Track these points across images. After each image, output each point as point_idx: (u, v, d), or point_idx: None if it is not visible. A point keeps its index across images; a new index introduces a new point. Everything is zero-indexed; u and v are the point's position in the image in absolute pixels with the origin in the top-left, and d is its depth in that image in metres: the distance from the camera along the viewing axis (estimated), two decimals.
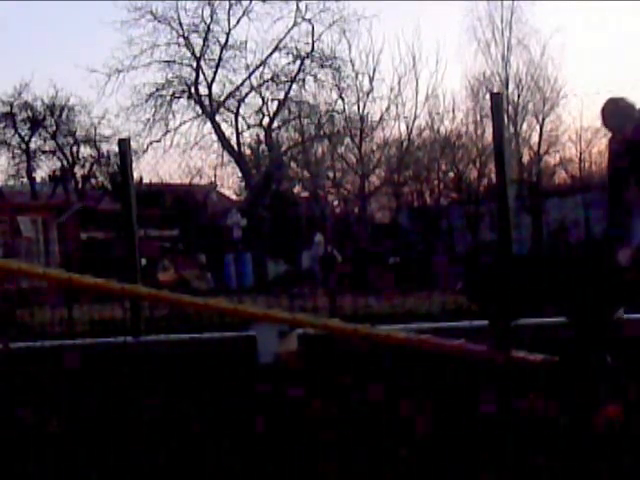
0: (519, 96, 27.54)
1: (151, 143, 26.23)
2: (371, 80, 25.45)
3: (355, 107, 25.61)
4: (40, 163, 29.12)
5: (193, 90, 26.55)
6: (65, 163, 28.82)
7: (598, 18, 38.77)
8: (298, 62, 26.22)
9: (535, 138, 27.26)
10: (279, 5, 26.97)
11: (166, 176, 26.48)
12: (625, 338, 5.70)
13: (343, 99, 25.78)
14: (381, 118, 25.27)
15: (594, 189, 19.84)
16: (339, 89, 25.88)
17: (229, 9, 26.13)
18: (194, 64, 26.38)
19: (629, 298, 5.01)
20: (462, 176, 24.59)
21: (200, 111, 26.61)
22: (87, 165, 29.01)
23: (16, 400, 5.01)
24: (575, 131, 26.54)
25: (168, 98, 26.53)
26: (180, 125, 26.63)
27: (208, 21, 26.07)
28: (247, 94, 26.69)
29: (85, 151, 28.88)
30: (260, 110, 26.64)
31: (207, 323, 8.35)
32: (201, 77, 26.50)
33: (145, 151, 26.13)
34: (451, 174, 25.06)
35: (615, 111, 5.81)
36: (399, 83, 25.33)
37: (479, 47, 27.94)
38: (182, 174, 26.36)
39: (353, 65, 25.70)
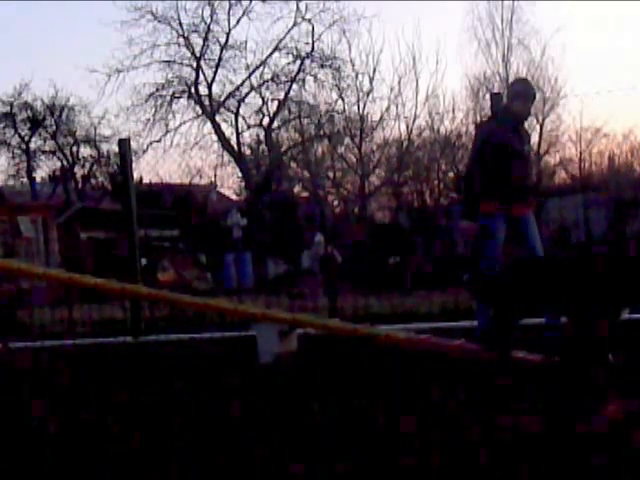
0: None
1: (151, 143, 26.23)
2: (371, 80, 25.44)
3: (355, 107, 25.60)
4: (40, 163, 29.12)
5: (193, 90, 26.53)
6: (65, 163, 28.81)
7: (598, 18, 38.77)
8: (298, 62, 26.21)
9: (535, 138, 27.25)
10: (279, 5, 26.98)
11: (166, 176, 26.48)
12: (626, 338, 5.71)
13: (343, 99, 25.77)
14: (381, 118, 25.26)
15: (594, 189, 19.85)
16: (339, 89, 25.87)
17: (229, 9, 26.12)
18: (194, 64, 26.37)
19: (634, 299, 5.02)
20: (462, 176, 24.54)
21: (200, 111, 26.60)
22: (87, 165, 28.99)
23: (16, 400, 5.01)
24: (575, 131, 26.55)
25: (168, 98, 26.52)
26: (180, 125, 26.63)
27: (208, 21, 26.06)
28: (247, 94, 26.69)
29: (85, 151, 28.87)
30: (260, 110, 26.64)
31: (207, 323, 8.35)
32: (201, 77, 26.50)
33: (145, 151, 26.11)
34: (451, 174, 25.03)
35: (527, 93, 5.80)
36: (399, 83, 25.32)
37: (479, 47, 27.95)
38: (182, 174, 26.37)
39: (353, 65, 25.69)
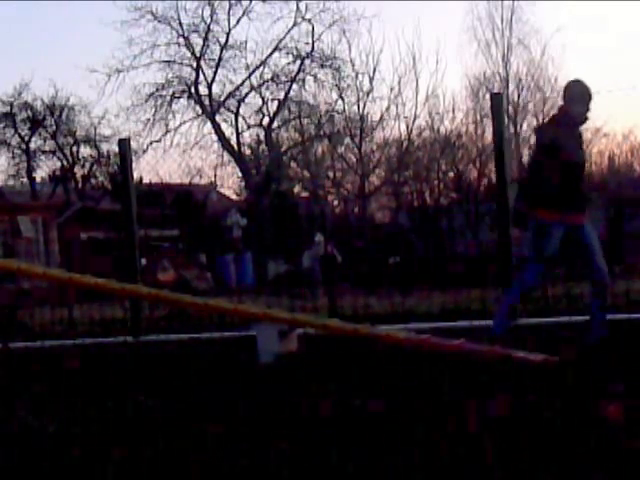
0: (519, 96, 27.60)
1: (151, 143, 26.28)
2: (371, 80, 25.47)
3: (355, 107, 25.63)
4: (40, 163, 29.19)
5: (193, 90, 26.56)
6: (65, 163, 28.83)
7: (598, 18, 38.78)
8: (298, 62, 26.23)
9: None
10: (279, 5, 27.01)
11: (166, 176, 26.52)
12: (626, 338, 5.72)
13: (343, 99, 25.81)
14: (381, 118, 25.28)
15: (594, 189, 19.84)
16: (339, 89, 25.90)
17: (229, 9, 26.17)
18: (194, 64, 26.40)
19: None
20: (462, 176, 24.57)
21: (200, 111, 26.62)
22: (87, 165, 29.03)
23: (16, 400, 5.01)
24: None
25: (168, 98, 26.57)
26: (180, 125, 26.68)
27: (208, 21, 26.12)
28: (247, 94, 26.73)
29: (85, 151, 28.94)
30: (260, 110, 26.67)
31: (207, 323, 8.35)
32: (201, 77, 26.54)
33: (145, 151, 26.17)
34: (451, 174, 25.04)
35: (584, 95, 5.67)
36: (399, 83, 25.35)
37: (479, 47, 28.05)
38: (182, 174, 26.40)
39: (353, 65, 25.72)
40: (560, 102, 5.84)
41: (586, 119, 5.69)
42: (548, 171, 5.49)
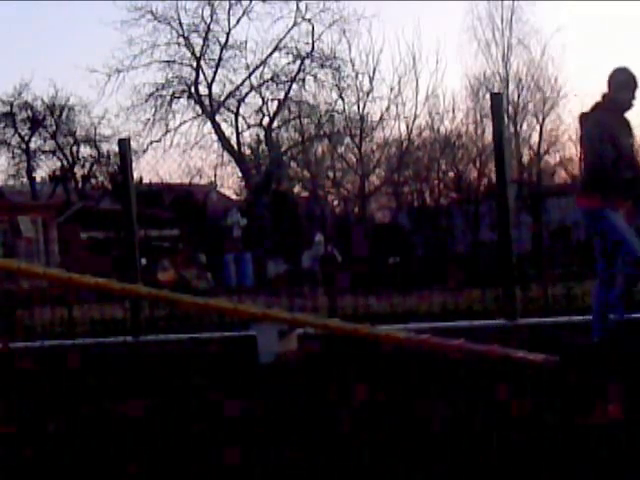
0: (519, 96, 27.58)
1: (151, 143, 26.21)
2: (371, 80, 25.43)
3: (355, 107, 25.59)
4: (40, 163, 29.16)
5: (193, 90, 26.54)
6: (65, 163, 28.82)
7: (598, 18, 38.78)
8: (298, 62, 26.21)
9: (535, 138, 27.29)
10: (279, 5, 26.96)
11: (166, 176, 26.44)
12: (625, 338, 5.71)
13: (343, 99, 25.76)
14: (381, 118, 25.25)
15: None
16: (339, 89, 25.86)
17: (229, 9, 26.12)
18: (194, 64, 26.37)
19: None
20: (462, 176, 24.55)
21: (200, 111, 26.60)
22: (87, 165, 29.02)
23: (16, 400, 5.01)
24: (575, 131, 26.54)
25: (168, 98, 26.52)
26: (180, 125, 26.62)
27: (208, 21, 26.06)
28: (247, 94, 26.69)
29: (85, 151, 28.91)
30: (260, 110, 26.63)
31: (207, 323, 8.36)
32: (201, 77, 26.50)
33: (145, 151, 26.10)
34: (451, 174, 25.01)
35: (630, 82, 5.62)
36: (399, 83, 25.30)
37: (479, 47, 27.99)
38: (182, 174, 26.33)
39: (353, 65, 25.68)
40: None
41: (632, 105, 5.64)
42: (598, 159, 5.45)
